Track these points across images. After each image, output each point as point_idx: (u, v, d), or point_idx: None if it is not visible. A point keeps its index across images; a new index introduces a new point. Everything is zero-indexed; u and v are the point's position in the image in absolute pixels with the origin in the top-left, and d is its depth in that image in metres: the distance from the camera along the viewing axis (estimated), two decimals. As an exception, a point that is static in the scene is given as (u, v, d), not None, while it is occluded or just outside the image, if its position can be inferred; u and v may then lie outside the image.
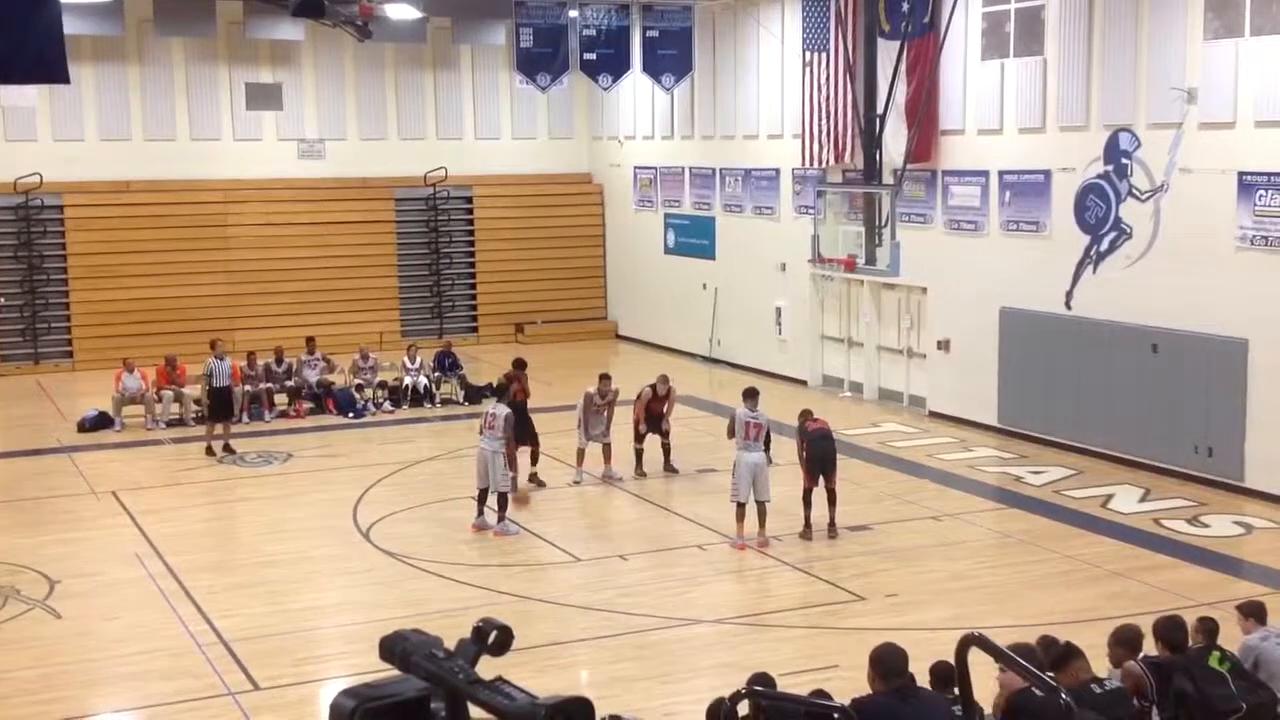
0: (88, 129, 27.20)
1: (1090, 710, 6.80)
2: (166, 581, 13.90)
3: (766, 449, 15.06)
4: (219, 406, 19.93)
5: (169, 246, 27.46)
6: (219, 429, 19.83)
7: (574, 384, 22.72)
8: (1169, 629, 8.30)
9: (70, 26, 14.27)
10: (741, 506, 14.82)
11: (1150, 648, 8.30)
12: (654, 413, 18.08)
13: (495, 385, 17.07)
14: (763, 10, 25.07)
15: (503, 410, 15.60)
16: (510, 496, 15.80)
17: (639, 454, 18.06)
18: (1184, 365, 17.30)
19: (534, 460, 17.62)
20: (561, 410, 19.33)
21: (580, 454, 17.77)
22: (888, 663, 6.58)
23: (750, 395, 15.27)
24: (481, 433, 15.59)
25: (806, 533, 15.09)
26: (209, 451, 19.64)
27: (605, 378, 18.14)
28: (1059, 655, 7.45)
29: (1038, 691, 6.27)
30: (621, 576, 14.10)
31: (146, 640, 12.29)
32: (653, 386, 18.08)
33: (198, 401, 21.57)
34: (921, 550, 14.87)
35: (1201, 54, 16.81)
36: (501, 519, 15.47)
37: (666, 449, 18.15)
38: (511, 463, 16.38)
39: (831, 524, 15.16)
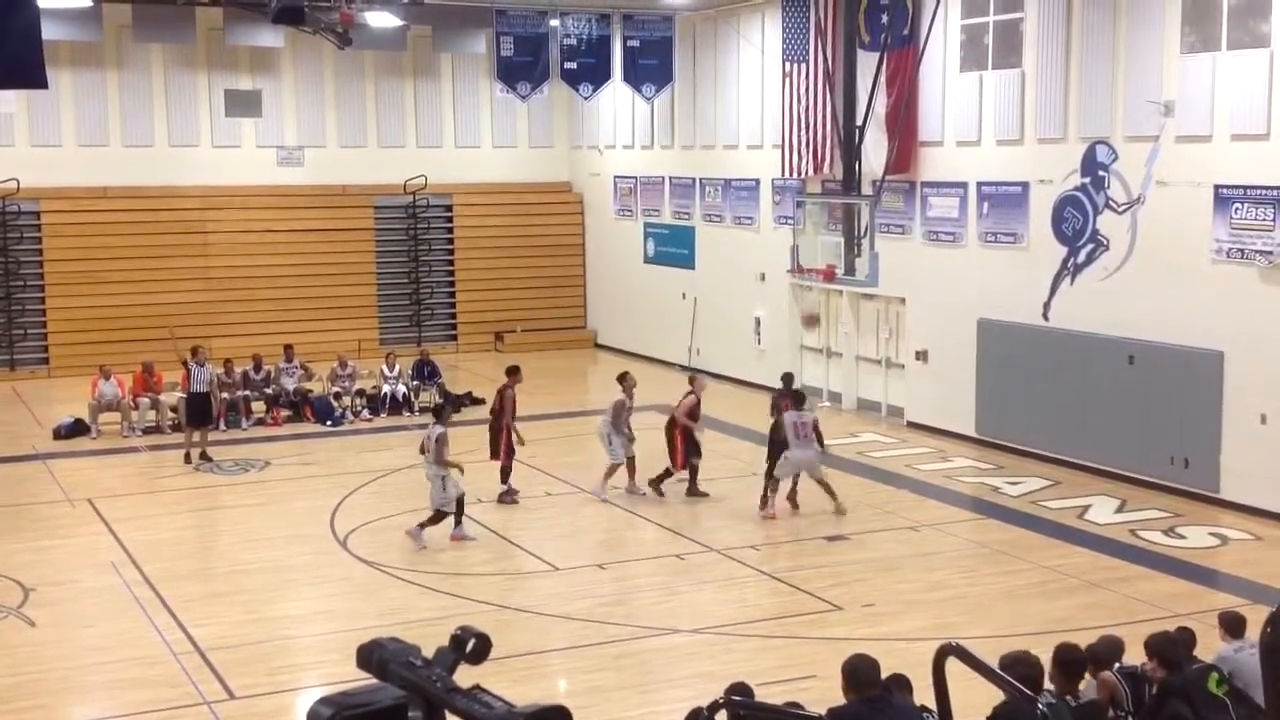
0: (65, 134, 27.09)
1: None
2: (142, 589, 13.82)
3: (820, 443, 16.29)
4: (194, 412, 19.82)
5: (147, 253, 27.36)
6: (196, 436, 19.74)
7: (552, 393, 22.74)
8: (1164, 645, 8.03)
9: (48, 32, 14.24)
10: (778, 482, 16.15)
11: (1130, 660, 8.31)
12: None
13: (434, 406, 16.83)
14: (743, 20, 25.14)
15: (437, 431, 15.32)
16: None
17: (694, 469, 17.24)
18: (1160, 377, 17.38)
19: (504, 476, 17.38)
20: (539, 420, 19.29)
21: (613, 470, 17.31)
22: (860, 674, 6.61)
23: (798, 400, 16.46)
24: (422, 453, 15.46)
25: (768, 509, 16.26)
26: (187, 459, 19.55)
27: (626, 376, 17.84)
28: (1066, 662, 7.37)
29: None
30: (599, 585, 14.10)
31: (121, 649, 12.22)
32: (690, 393, 17.25)
33: (174, 409, 21.51)
34: (899, 560, 14.89)
35: (1178, 68, 16.93)
36: (423, 527, 15.19)
37: (694, 470, 17.29)
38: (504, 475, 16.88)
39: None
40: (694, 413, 17.15)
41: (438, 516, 15.31)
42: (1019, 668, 7.00)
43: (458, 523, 15.49)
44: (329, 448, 20.84)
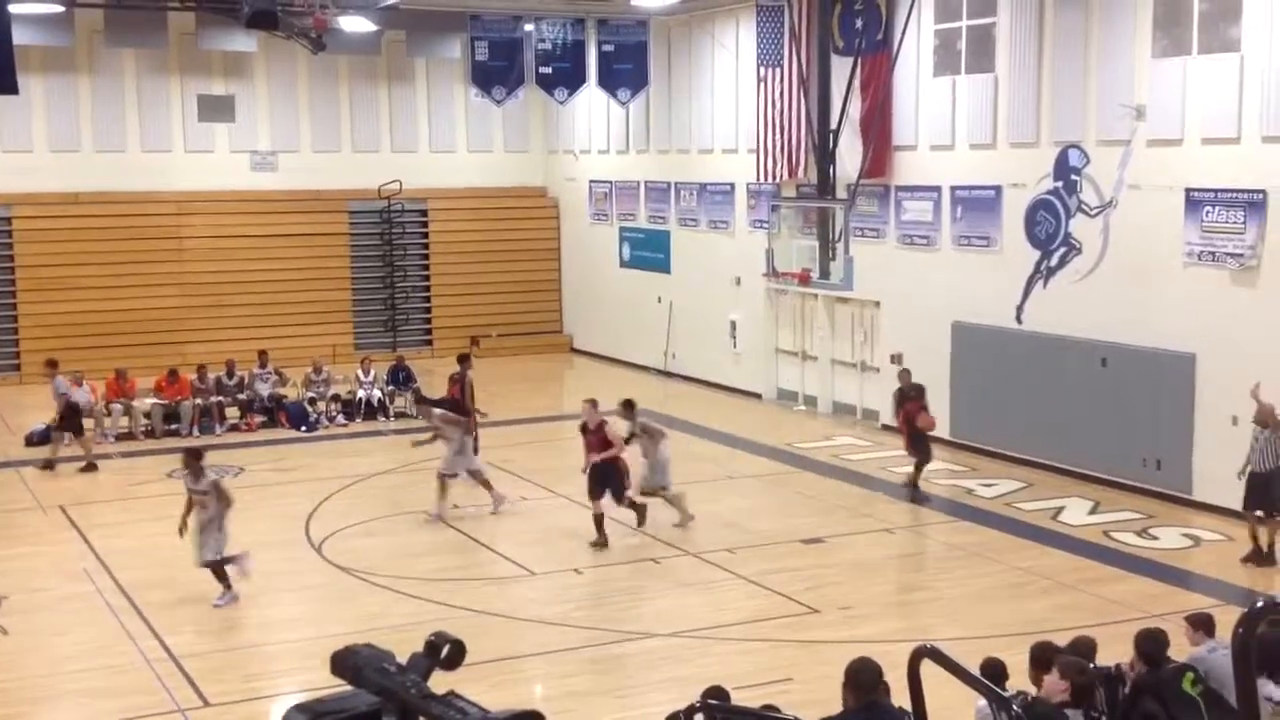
0: (37, 140, 26.92)
1: None
2: (115, 597, 13.75)
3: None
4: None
5: (119, 259, 27.21)
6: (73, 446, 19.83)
7: (528, 398, 22.69)
8: (1151, 644, 8.08)
9: (19, 37, 14.17)
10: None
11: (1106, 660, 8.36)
12: (593, 448, 15.67)
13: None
14: (718, 25, 25.18)
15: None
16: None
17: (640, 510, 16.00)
18: (1133, 379, 17.48)
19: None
20: (515, 425, 19.28)
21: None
22: (863, 676, 6.73)
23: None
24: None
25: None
26: (46, 466, 19.55)
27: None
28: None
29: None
30: (575, 590, 14.09)
31: (95, 656, 12.15)
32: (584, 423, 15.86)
33: (147, 415, 21.45)
34: (874, 562, 14.94)
35: (1150, 71, 17.03)
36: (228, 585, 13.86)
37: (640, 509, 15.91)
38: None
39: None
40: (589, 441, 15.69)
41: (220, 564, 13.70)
42: (1082, 676, 7.21)
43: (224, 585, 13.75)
44: (304, 453, 20.75)
